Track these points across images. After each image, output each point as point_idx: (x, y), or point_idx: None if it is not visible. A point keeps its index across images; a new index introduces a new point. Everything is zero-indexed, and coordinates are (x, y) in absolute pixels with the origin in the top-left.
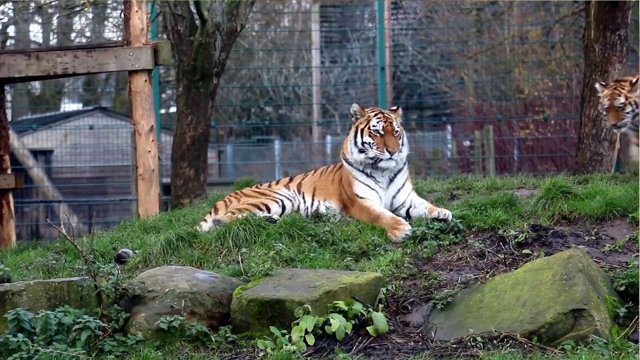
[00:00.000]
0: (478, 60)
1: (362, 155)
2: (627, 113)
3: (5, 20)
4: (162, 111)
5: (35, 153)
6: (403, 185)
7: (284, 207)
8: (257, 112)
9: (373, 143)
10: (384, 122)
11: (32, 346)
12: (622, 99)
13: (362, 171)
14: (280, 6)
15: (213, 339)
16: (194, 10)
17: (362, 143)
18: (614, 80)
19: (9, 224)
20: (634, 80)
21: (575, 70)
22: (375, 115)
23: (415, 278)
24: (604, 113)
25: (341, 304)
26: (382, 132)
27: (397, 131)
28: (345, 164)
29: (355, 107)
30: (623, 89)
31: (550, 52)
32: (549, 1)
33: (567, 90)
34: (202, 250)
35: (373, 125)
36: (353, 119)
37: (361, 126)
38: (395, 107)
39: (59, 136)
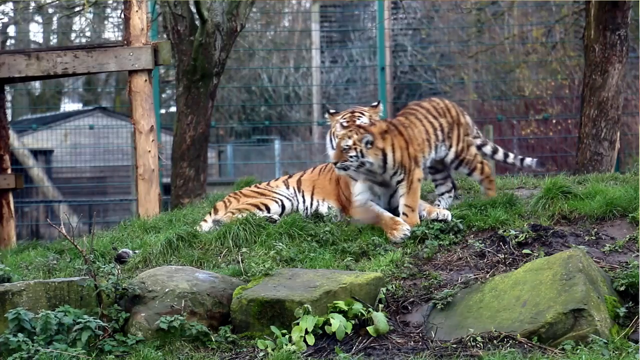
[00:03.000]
0: (478, 60)
1: None
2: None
3: (6, 20)
4: (162, 111)
5: (35, 153)
6: None
7: (283, 207)
8: (257, 112)
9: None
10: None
11: (32, 346)
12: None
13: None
14: (280, 6)
15: (213, 339)
16: (194, 10)
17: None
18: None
19: (9, 224)
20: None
21: (577, 70)
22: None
23: (415, 278)
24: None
25: (341, 304)
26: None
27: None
28: None
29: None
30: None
31: (551, 51)
32: (549, 1)
33: (569, 90)
34: (202, 250)
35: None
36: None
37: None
38: (375, 104)
39: (59, 136)
